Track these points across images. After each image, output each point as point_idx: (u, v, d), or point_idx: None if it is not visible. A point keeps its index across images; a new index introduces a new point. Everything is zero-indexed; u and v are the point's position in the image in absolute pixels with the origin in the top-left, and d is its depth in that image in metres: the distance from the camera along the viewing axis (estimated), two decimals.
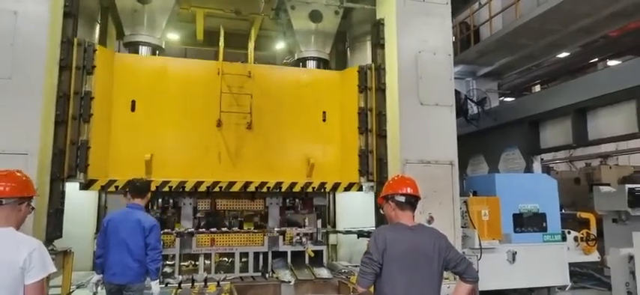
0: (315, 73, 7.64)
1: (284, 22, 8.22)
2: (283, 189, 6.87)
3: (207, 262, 6.47)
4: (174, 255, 6.29)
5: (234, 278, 6.21)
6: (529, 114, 11.80)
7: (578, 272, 8.38)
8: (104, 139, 6.24)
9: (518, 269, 6.71)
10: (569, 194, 11.35)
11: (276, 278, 6.19)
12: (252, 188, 6.72)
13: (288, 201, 7.23)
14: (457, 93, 11.40)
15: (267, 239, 6.65)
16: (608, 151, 17.65)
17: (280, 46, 9.70)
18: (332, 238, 7.73)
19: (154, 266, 4.61)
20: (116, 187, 6.22)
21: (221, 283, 5.78)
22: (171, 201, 6.68)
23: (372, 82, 7.04)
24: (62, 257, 5.24)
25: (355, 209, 7.55)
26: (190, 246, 6.31)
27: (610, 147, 16.56)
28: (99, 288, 4.76)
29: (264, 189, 6.78)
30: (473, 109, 13.55)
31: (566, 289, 7.22)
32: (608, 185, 9.71)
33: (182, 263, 6.46)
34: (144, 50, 7.09)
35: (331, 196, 7.85)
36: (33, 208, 2.92)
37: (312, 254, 6.64)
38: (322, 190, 7.13)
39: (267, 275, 6.36)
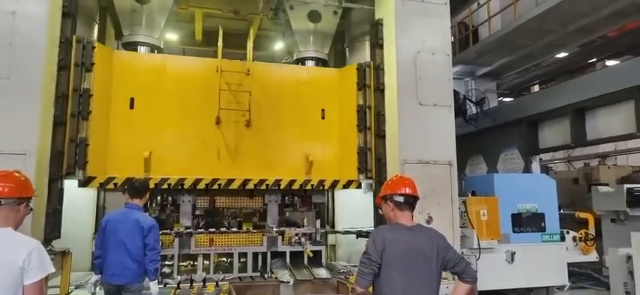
0: (314, 70, 7.65)
1: (283, 22, 8.22)
2: (282, 187, 6.88)
3: (206, 262, 6.46)
4: (172, 255, 6.29)
5: (233, 278, 6.21)
6: (528, 115, 11.81)
7: (577, 272, 8.40)
8: (103, 137, 6.24)
9: (517, 269, 6.72)
10: (567, 194, 11.36)
11: (275, 278, 6.19)
12: (250, 185, 6.72)
13: (286, 198, 7.25)
14: (456, 93, 11.41)
15: (266, 239, 6.65)
16: (606, 151, 17.66)
17: (279, 46, 9.71)
18: (331, 238, 7.74)
19: (152, 266, 4.61)
20: (115, 184, 6.23)
21: (220, 283, 5.77)
22: (170, 198, 6.70)
23: (371, 80, 7.05)
24: (61, 258, 5.23)
25: (354, 209, 7.56)
26: (189, 246, 6.31)
27: (608, 147, 16.57)
28: (97, 289, 4.75)
29: (263, 187, 6.78)
30: (472, 109, 13.56)
31: (565, 289, 7.23)
32: (607, 185, 9.72)
33: (181, 264, 6.46)
34: (142, 50, 7.09)
35: (330, 196, 7.86)
36: (31, 209, 2.92)
37: (311, 255, 6.64)
38: (321, 187, 7.14)
39: (265, 276, 6.36)
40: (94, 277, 4.74)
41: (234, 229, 6.80)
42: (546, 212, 7.09)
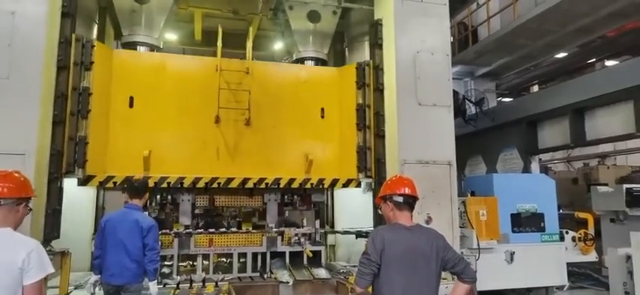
0: (314, 69, 7.64)
1: (282, 22, 8.23)
2: (282, 185, 6.88)
3: (206, 262, 6.46)
4: (172, 256, 6.28)
5: (233, 278, 6.21)
6: (527, 115, 11.82)
7: (576, 272, 8.41)
8: (102, 135, 6.24)
9: (517, 269, 6.72)
10: (567, 194, 11.39)
11: (275, 278, 6.18)
12: (250, 184, 6.72)
13: (286, 197, 7.24)
14: (455, 93, 11.46)
15: (266, 239, 6.65)
16: (605, 151, 17.67)
17: (278, 46, 9.71)
18: (330, 238, 7.74)
19: (151, 266, 4.61)
20: (114, 183, 6.23)
21: (219, 283, 5.77)
22: (169, 197, 6.70)
23: (371, 79, 7.05)
24: (60, 258, 5.22)
25: (353, 209, 7.56)
26: (188, 247, 6.30)
27: (608, 147, 16.58)
28: (97, 289, 4.75)
29: (263, 185, 6.78)
30: (471, 109, 13.57)
31: (564, 289, 7.24)
32: (606, 185, 9.74)
33: (180, 264, 6.46)
34: (142, 50, 7.08)
35: (329, 196, 7.86)
36: (31, 209, 2.92)
37: (311, 255, 6.64)
38: (320, 186, 7.14)
39: (265, 276, 6.36)
40: (94, 277, 4.73)
41: (234, 229, 6.79)
42: (546, 212, 7.10)
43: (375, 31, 6.98)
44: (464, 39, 14.31)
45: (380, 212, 3.40)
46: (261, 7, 7.97)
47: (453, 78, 7.47)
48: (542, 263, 6.89)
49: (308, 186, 7.02)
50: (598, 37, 13.03)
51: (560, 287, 7.17)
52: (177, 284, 5.73)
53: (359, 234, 6.94)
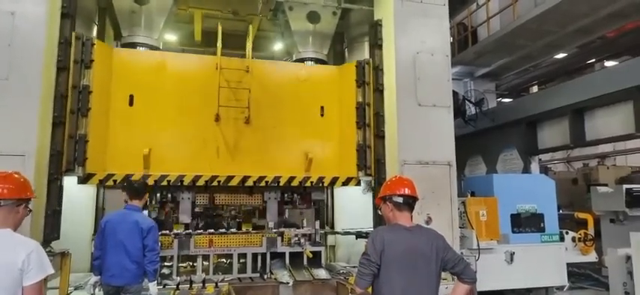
0: (314, 68, 7.64)
1: (282, 22, 8.23)
2: (281, 184, 6.88)
3: (206, 263, 6.45)
4: (172, 256, 6.28)
5: (233, 279, 6.20)
6: (527, 115, 11.83)
7: (576, 273, 8.41)
8: (102, 134, 6.24)
9: (516, 270, 6.73)
10: (566, 194, 11.39)
11: (275, 279, 6.18)
12: (250, 182, 6.73)
13: (286, 195, 7.25)
14: (455, 94, 11.46)
15: (266, 240, 6.64)
16: (605, 152, 17.69)
17: (278, 46, 9.71)
18: (330, 239, 7.73)
19: (151, 267, 4.61)
20: (114, 181, 6.23)
21: (219, 284, 5.77)
22: (169, 195, 6.71)
23: (370, 77, 7.05)
24: (60, 259, 5.22)
25: (353, 209, 7.56)
26: (188, 247, 6.30)
27: (607, 147, 16.60)
28: (96, 290, 4.75)
29: (263, 184, 6.79)
30: (471, 110, 13.58)
31: (564, 289, 7.24)
32: (606, 185, 9.75)
33: (180, 265, 6.46)
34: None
35: (329, 196, 7.86)
36: (30, 210, 2.92)
37: (311, 255, 6.63)
38: (320, 184, 7.14)
39: (265, 276, 6.35)
40: (93, 278, 4.74)
41: (234, 230, 6.79)
42: (545, 212, 7.10)
43: (374, 32, 6.99)
44: (463, 39, 14.32)
45: (380, 212, 3.41)
46: (261, 8, 7.97)
47: (453, 79, 7.46)
48: (542, 263, 6.89)
49: (308, 184, 7.03)
50: (597, 38, 13.05)
51: (560, 288, 7.17)
52: (177, 285, 5.72)
53: (359, 235, 6.94)
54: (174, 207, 6.81)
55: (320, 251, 6.88)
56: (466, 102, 13.69)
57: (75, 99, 5.90)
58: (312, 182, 7.02)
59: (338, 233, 7.57)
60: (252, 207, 7.19)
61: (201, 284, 5.70)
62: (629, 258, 6.12)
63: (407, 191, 3.20)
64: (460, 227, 6.42)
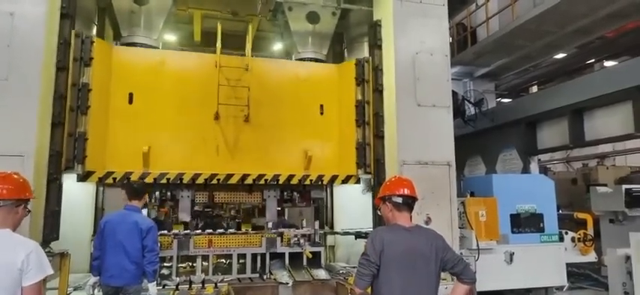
0: (313, 66, 7.63)
1: (281, 23, 8.22)
2: (281, 182, 6.89)
3: (205, 263, 6.45)
4: (171, 257, 6.28)
5: (232, 279, 6.20)
6: (526, 115, 11.84)
7: (576, 273, 8.41)
8: (102, 131, 6.25)
9: (516, 270, 6.73)
10: (566, 194, 11.39)
11: (274, 279, 6.17)
12: (249, 180, 6.73)
13: (285, 193, 7.25)
14: (454, 94, 11.45)
15: (265, 240, 6.64)
16: (605, 152, 17.68)
17: (278, 47, 9.71)
18: (330, 239, 7.73)
19: (151, 268, 4.61)
20: (114, 179, 6.23)
21: (219, 284, 5.76)
22: (169, 193, 6.71)
23: (370, 75, 7.06)
24: (59, 260, 5.22)
25: (353, 210, 7.56)
26: (188, 248, 6.29)
27: (607, 147, 16.58)
28: (95, 290, 4.74)
29: (262, 182, 6.79)
30: (470, 110, 13.58)
31: (564, 289, 7.25)
32: (605, 185, 9.76)
33: (179, 265, 6.45)
34: None
35: (329, 196, 7.86)
36: (29, 210, 2.92)
37: (310, 256, 6.63)
38: (320, 183, 7.15)
39: (264, 277, 6.34)
40: (93, 278, 4.73)
41: (232, 230, 6.78)
42: (545, 212, 7.10)
43: (374, 32, 6.99)
44: (463, 40, 14.33)
45: (379, 213, 3.41)
46: (261, 9, 7.97)
47: (452, 79, 7.46)
48: (542, 263, 6.89)
49: (307, 182, 7.04)
50: (597, 38, 13.07)
51: (560, 288, 7.17)
52: (177, 286, 5.72)
53: (358, 235, 6.94)
54: (173, 206, 6.81)
55: (319, 252, 6.87)
56: (465, 102, 13.70)
57: (74, 97, 5.90)
58: (311, 180, 7.03)
59: (337, 233, 7.57)
60: (251, 206, 7.19)
61: (201, 285, 5.70)
62: (628, 258, 6.12)
63: (406, 191, 3.21)
64: (459, 228, 6.42)
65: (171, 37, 9.30)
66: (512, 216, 6.95)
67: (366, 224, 6.88)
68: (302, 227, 6.87)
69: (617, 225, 8.14)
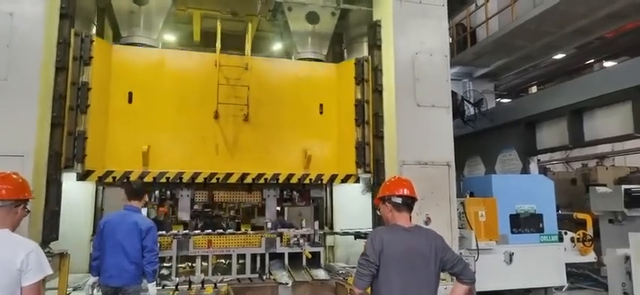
0: (313, 65, 7.64)
1: (281, 23, 8.23)
2: (280, 181, 6.90)
3: (205, 264, 6.44)
4: (171, 257, 6.27)
5: (232, 279, 6.19)
6: (526, 116, 11.84)
7: (575, 273, 8.42)
8: (101, 130, 6.25)
9: (515, 270, 6.73)
10: (565, 195, 11.41)
11: (274, 279, 6.17)
12: (249, 179, 6.73)
13: (285, 193, 7.26)
14: (454, 94, 11.48)
15: (264, 240, 6.63)
16: (604, 152, 17.68)
17: (277, 47, 9.71)
18: (329, 239, 7.73)
19: (150, 268, 4.61)
20: (113, 178, 6.24)
21: (218, 285, 5.76)
22: (168, 192, 6.71)
23: (369, 75, 7.06)
24: (59, 260, 5.21)
25: (353, 210, 7.56)
26: (187, 248, 6.28)
27: (606, 147, 16.59)
28: (94, 291, 4.74)
29: (262, 181, 6.80)
30: (470, 110, 13.59)
31: (563, 289, 7.25)
32: (605, 186, 9.78)
33: (179, 265, 6.44)
34: None
35: (329, 196, 7.86)
36: (28, 211, 2.91)
37: (310, 256, 6.62)
38: (319, 182, 7.15)
39: (264, 277, 6.34)
40: (92, 279, 4.73)
41: (231, 230, 6.78)
42: (544, 213, 7.10)
43: (373, 32, 6.99)
44: (462, 40, 14.34)
45: (379, 213, 3.41)
46: (260, 9, 7.96)
47: (452, 80, 7.46)
48: (541, 263, 6.90)
49: (307, 181, 7.04)
50: (596, 38, 13.07)
51: (559, 288, 7.18)
52: (176, 286, 5.71)
53: (358, 235, 6.93)
54: (173, 205, 6.81)
55: (319, 252, 6.86)
56: (465, 102, 13.71)
57: (74, 96, 5.91)
58: (311, 179, 7.04)
59: (337, 233, 7.57)
60: (251, 205, 7.19)
61: (200, 285, 5.70)
62: (627, 258, 6.12)
63: (406, 191, 3.21)
64: (459, 228, 6.42)
65: (170, 37, 9.29)
66: (511, 216, 6.96)
67: (366, 224, 6.88)
68: (301, 228, 6.87)
69: (617, 225, 8.15)
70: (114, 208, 5.40)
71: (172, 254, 6.23)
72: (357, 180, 7.19)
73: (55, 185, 5.55)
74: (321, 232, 7.28)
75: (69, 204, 6.01)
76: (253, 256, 6.55)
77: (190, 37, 9.35)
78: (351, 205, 7.63)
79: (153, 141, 6.42)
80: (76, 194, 6.36)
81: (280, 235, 6.66)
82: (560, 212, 8.22)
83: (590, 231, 7.64)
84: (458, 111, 12.87)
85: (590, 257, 7.46)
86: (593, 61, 15.65)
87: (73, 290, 5.49)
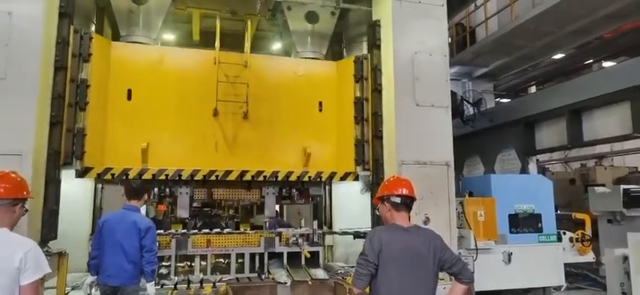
0: (312, 63, 7.63)
1: (280, 22, 8.23)
2: (279, 178, 6.88)
3: (203, 263, 6.44)
4: (169, 256, 6.27)
5: (230, 279, 6.19)
6: (525, 115, 11.85)
7: (574, 273, 8.43)
8: (100, 128, 6.24)
9: (514, 270, 6.74)
10: (564, 194, 11.41)
11: (272, 278, 6.17)
12: (248, 177, 6.72)
13: (284, 190, 7.24)
14: (453, 94, 11.47)
15: (263, 240, 6.63)
16: (603, 152, 17.70)
17: (276, 46, 9.70)
18: (328, 239, 7.73)
19: (149, 268, 4.60)
20: (112, 175, 6.22)
21: (217, 284, 5.76)
22: (167, 190, 6.69)
23: (368, 72, 7.06)
24: (57, 259, 5.21)
25: (352, 209, 7.56)
26: (186, 247, 6.28)
27: (605, 148, 16.61)
28: (93, 290, 4.74)
29: (261, 178, 6.79)
30: (469, 110, 13.60)
31: (562, 289, 7.27)
32: (603, 186, 9.79)
33: (178, 265, 6.44)
34: None
35: (328, 196, 7.85)
36: (26, 210, 2.91)
37: (309, 255, 6.62)
38: (319, 180, 7.14)
39: (263, 276, 6.34)
40: (90, 278, 4.72)
41: (229, 230, 6.77)
42: (543, 212, 7.12)
43: (373, 32, 6.99)
44: (462, 40, 14.34)
45: (378, 212, 3.41)
46: (260, 8, 7.96)
47: (451, 79, 7.48)
48: (540, 263, 6.91)
49: (306, 179, 7.03)
50: (595, 38, 13.09)
51: (558, 288, 7.19)
52: (175, 285, 5.71)
53: (357, 235, 6.94)
54: (172, 202, 6.80)
55: (318, 251, 6.86)
56: (464, 102, 13.72)
57: (73, 93, 5.90)
58: (310, 177, 7.03)
59: (336, 233, 7.57)
60: (250, 203, 7.17)
61: (199, 284, 5.70)
62: (626, 258, 6.14)
63: (405, 191, 3.21)
64: (458, 228, 6.43)
65: (169, 37, 9.28)
66: (510, 216, 6.97)
67: (365, 224, 6.88)
68: (300, 227, 6.87)
69: (615, 225, 8.16)
70: (113, 207, 5.39)
71: (171, 254, 6.22)
72: (356, 178, 7.19)
73: (54, 184, 5.54)
74: (320, 231, 7.28)
75: (68, 203, 6.00)
76: (252, 255, 6.55)
77: (189, 37, 9.34)
78: (350, 204, 7.63)
79: (152, 138, 6.41)
80: (75, 193, 6.35)
81: (279, 234, 6.66)
82: (558, 212, 8.23)
83: (588, 231, 7.65)
84: (457, 111, 12.88)
85: (589, 257, 7.47)
86: (592, 61, 15.67)
87: (72, 289, 5.48)
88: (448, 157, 6.39)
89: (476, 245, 6.39)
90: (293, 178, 6.95)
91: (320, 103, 7.27)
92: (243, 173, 6.69)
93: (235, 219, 7.19)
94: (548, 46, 12.54)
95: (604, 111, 9.81)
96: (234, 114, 6.78)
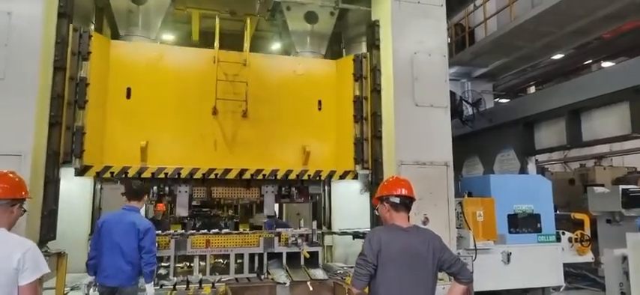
0: (311, 62, 7.64)
1: (279, 23, 8.23)
2: (279, 177, 6.89)
3: (202, 263, 6.44)
4: (169, 257, 6.26)
5: (230, 279, 6.18)
6: (524, 116, 11.84)
7: (573, 273, 8.43)
8: (99, 126, 6.25)
9: (513, 270, 6.75)
10: (563, 195, 11.40)
11: (272, 279, 6.16)
12: (247, 175, 6.72)
13: (283, 189, 7.25)
14: (452, 94, 11.45)
15: (263, 240, 6.63)
16: (602, 152, 17.71)
17: (276, 46, 9.71)
18: (327, 239, 7.74)
19: (148, 269, 4.60)
20: (111, 173, 6.22)
21: (216, 284, 5.76)
22: (166, 188, 6.70)
23: (368, 71, 7.07)
24: (56, 259, 5.21)
25: (351, 210, 7.56)
26: (185, 248, 6.28)
27: (604, 148, 16.61)
28: (91, 290, 4.73)
29: (260, 177, 6.79)
30: (468, 110, 13.60)
31: (561, 289, 7.27)
32: (602, 186, 9.78)
33: (177, 265, 6.43)
34: None
35: (327, 196, 7.86)
36: (25, 210, 2.91)
37: (308, 255, 6.62)
38: (318, 178, 7.15)
39: (262, 277, 6.34)
40: (88, 278, 4.71)
41: (228, 230, 6.77)
42: (542, 213, 7.12)
43: (372, 32, 6.99)
44: (461, 40, 14.34)
45: (377, 213, 3.41)
46: (259, 8, 7.97)
47: (450, 80, 7.49)
48: (539, 263, 6.91)
49: (305, 177, 7.03)
50: (594, 39, 13.10)
51: (557, 288, 7.19)
52: (174, 286, 5.71)
53: (356, 235, 6.94)
54: (171, 201, 6.79)
55: (317, 252, 6.86)
56: (463, 102, 13.71)
57: (72, 92, 5.90)
58: (309, 175, 7.03)
59: (335, 233, 7.58)
60: (249, 201, 7.17)
61: (198, 285, 5.70)
62: (625, 259, 6.13)
63: (404, 191, 3.21)
64: (457, 228, 6.43)
65: (169, 37, 9.28)
66: (509, 216, 6.97)
67: (364, 224, 6.89)
68: (300, 227, 6.87)
69: (614, 226, 8.16)
70: (112, 207, 5.39)
71: (170, 254, 6.22)
72: (356, 176, 7.19)
73: (53, 184, 5.54)
74: (320, 232, 7.29)
75: (67, 203, 6.00)
76: (251, 256, 6.54)
77: (189, 37, 9.35)
78: (350, 205, 7.63)
79: (151, 136, 6.42)
80: (74, 193, 6.36)
81: (278, 235, 6.66)
82: (557, 212, 8.24)
83: (587, 231, 7.65)
84: (456, 111, 12.87)
85: (588, 257, 7.48)
86: (591, 61, 15.68)
87: (71, 289, 5.47)
88: (447, 157, 6.39)
89: (475, 245, 6.39)
90: (292, 176, 6.95)
91: (319, 102, 7.28)
92: (242, 171, 6.70)
93: (234, 219, 7.20)
94: (547, 46, 12.55)
95: (603, 112, 9.81)
96: (234, 113, 6.78)
